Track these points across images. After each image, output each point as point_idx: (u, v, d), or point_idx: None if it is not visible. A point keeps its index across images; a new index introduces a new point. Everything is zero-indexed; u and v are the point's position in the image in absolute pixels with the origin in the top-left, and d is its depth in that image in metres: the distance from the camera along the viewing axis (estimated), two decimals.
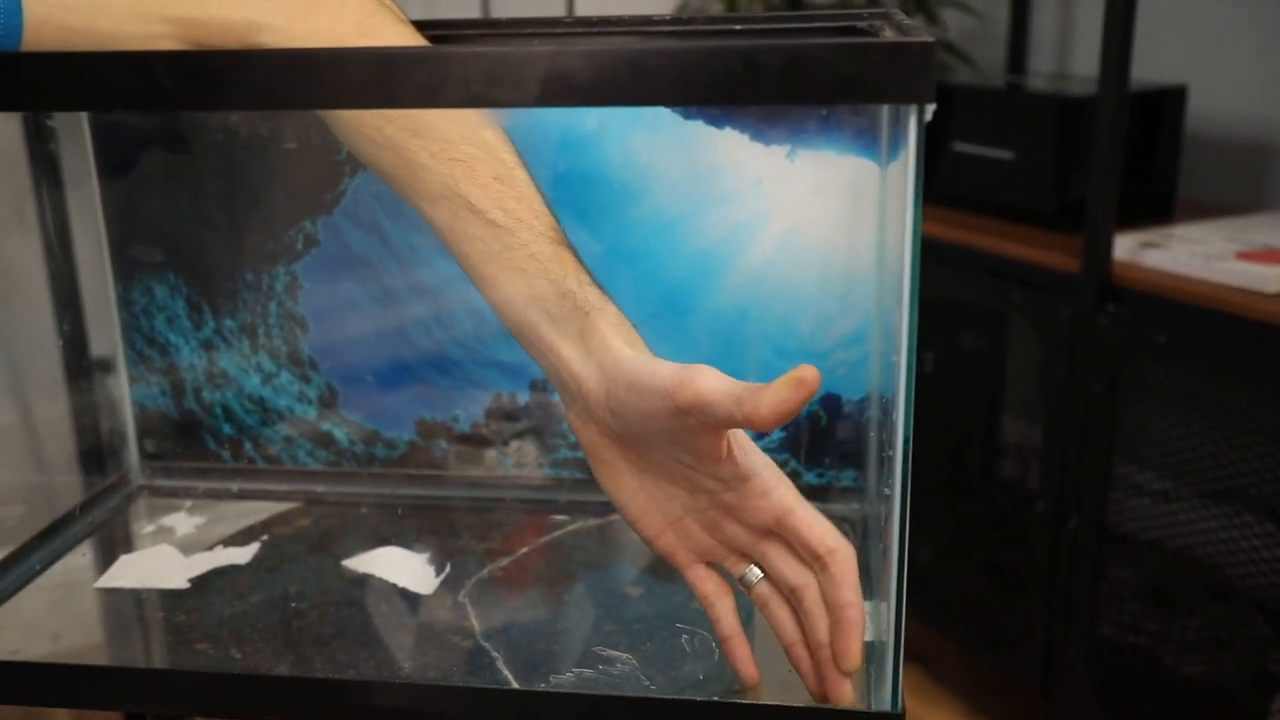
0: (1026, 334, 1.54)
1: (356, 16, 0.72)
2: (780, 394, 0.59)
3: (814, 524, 0.65)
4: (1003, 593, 1.58)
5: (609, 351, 0.67)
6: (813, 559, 0.65)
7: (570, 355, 0.68)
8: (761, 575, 0.68)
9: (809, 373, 0.59)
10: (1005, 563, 1.58)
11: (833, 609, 0.64)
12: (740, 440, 0.66)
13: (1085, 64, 1.94)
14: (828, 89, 0.54)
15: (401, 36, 0.73)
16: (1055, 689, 1.50)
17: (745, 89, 0.54)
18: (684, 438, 0.65)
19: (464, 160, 0.69)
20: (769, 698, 0.67)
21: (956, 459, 1.68)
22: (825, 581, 0.64)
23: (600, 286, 0.69)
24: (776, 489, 0.66)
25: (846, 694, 0.64)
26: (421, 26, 0.79)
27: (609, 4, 2.04)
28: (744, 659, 0.68)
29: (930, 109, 0.55)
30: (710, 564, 0.70)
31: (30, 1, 0.68)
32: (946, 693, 1.79)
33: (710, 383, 0.62)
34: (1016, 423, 1.62)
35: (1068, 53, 1.98)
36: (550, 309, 0.69)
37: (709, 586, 0.69)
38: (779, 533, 0.66)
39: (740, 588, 0.69)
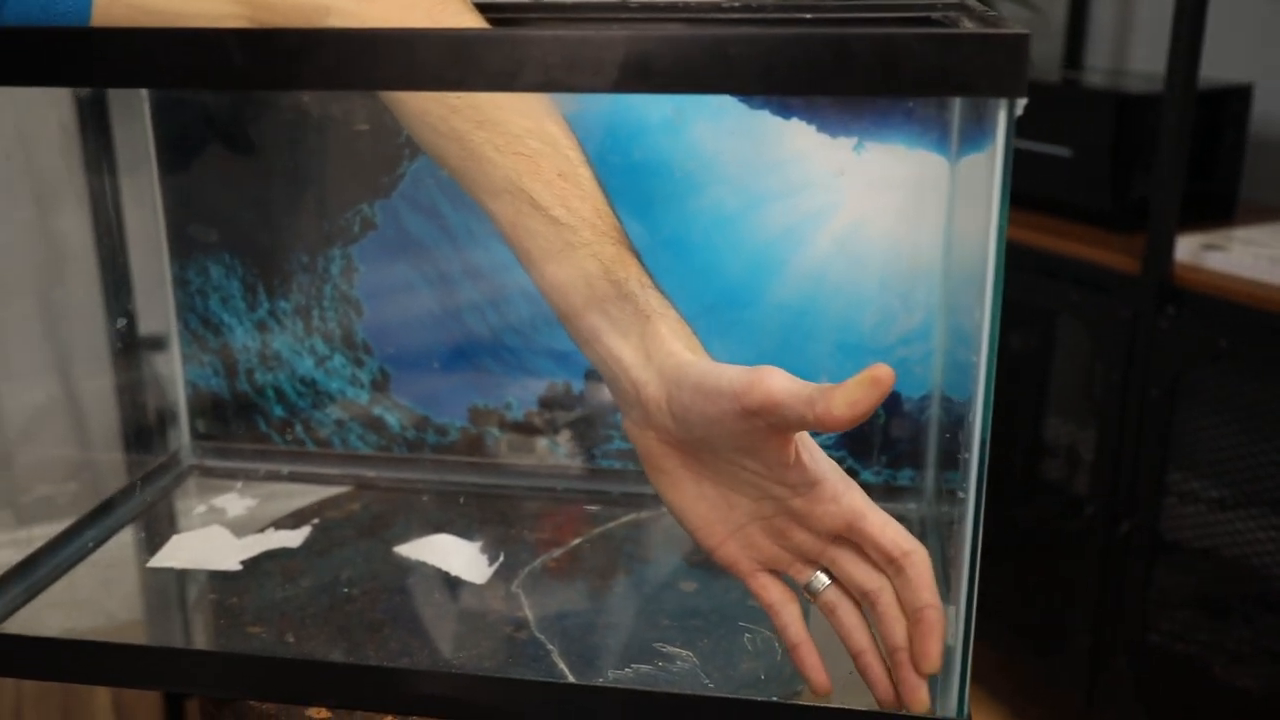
0: (1078, 335, 1.53)
1: (427, 4, 0.72)
2: (854, 394, 0.58)
3: (887, 527, 0.64)
4: (1048, 597, 1.57)
5: (670, 356, 0.66)
6: (887, 563, 0.64)
7: (630, 360, 0.67)
8: (828, 582, 0.67)
9: (883, 372, 0.58)
10: (1051, 567, 1.57)
11: (912, 611, 0.63)
12: (808, 444, 0.65)
13: (1144, 59, 1.92)
14: (919, 80, 0.53)
15: (464, 17, 0.73)
16: (1101, 697, 1.49)
17: (832, 79, 0.53)
18: (751, 442, 0.64)
19: (528, 155, 0.69)
20: (836, 702, 0.66)
21: (1002, 460, 1.67)
22: (901, 584, 0.64)
23: (662, 291, 0.69)
24: (846, 493, 0.65)
25: (923, 699, 0.63)
26: (481, 9, 0.78)
27: None
28: (814, 666, 0.67)
29: (1022, 103, 0.55)
30: (773, 571, 0.69)
31: None
32: (987, 696, 1.78)
33: (780, 384, 0.61)
34: (1065, 425, 1.61)
35: (1126, 48, 1.96)
36: (611, 311, 0.68)
37: (774, 594, 0.68)
38: (849, 537, 0.65)
39: (805, 595, 0.68)
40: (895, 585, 0.64)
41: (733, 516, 0.68)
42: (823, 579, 0.67)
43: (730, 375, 0.63)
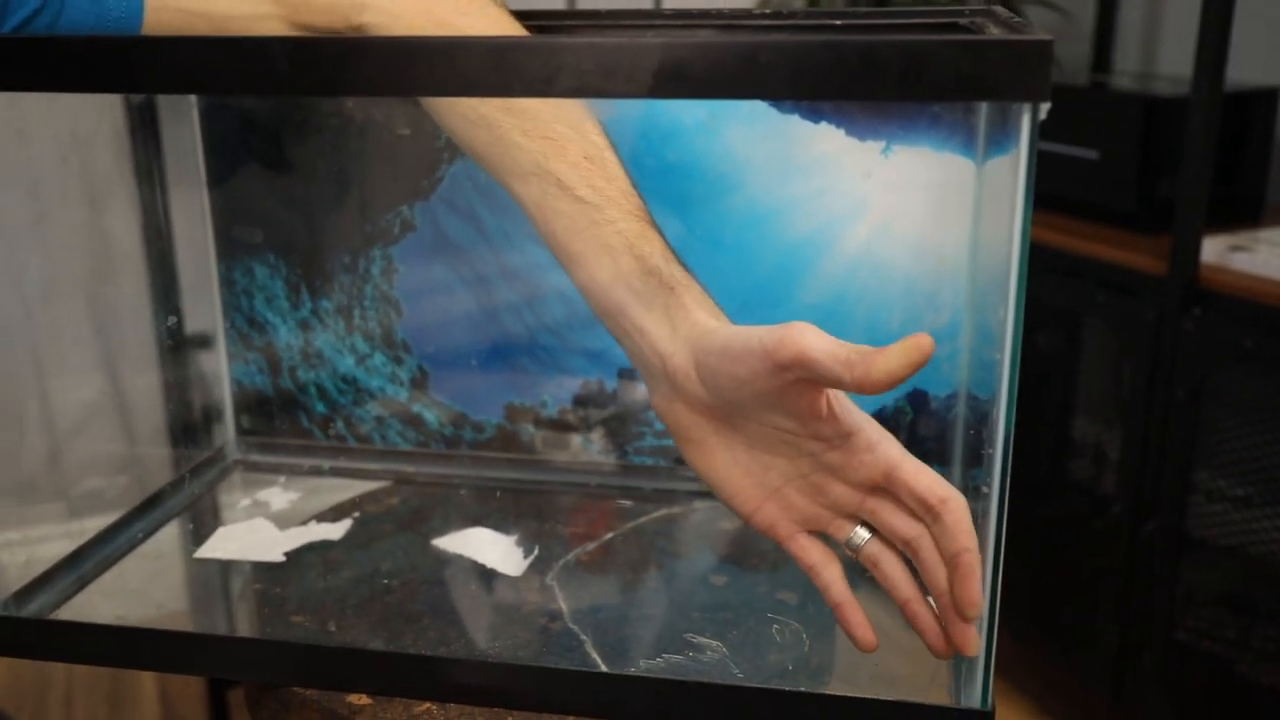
0: (1103, 335, 1.52)
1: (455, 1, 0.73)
2: (896, 360, 0.57)
3: (922, 474, 0.63)
4: (1074, 594, 1.56)
5: (695, 325, 0.66)
6: (924, 510, 0.63)
7: (656, 332, 0.67)
8: (868, 536, 0.66)
9: (925, 340, 0.57)
10: (1077, 564, 1.56)
11: (950, 556, 0.62)
12: (839, 396, 0.64)
13: (1171, 63, 1.91)
14: (946, 86, 0.54)
15: (498, 20, 0.74)
16: (1127, 693, 1.48)
17: (862, 84, 0.54)
18: (782, 399, 0.63)
19: (555, 139, 0.69)
20: (859, 691, 0.66)
21: (1028, 459, 1.66)
22: (939, 531, 0.63)
23: (685, 265, 0.69)
24: (881, 443, 0.65)
25: (973, 640, 0.62)
26: (518, 17, 0.79)
27: (688, 1, 2.05)
28: (860, 623, 0.66)
29: (1045, 108, 0.55)
30: (812, 533, 0.68)
31: None
32: (1013, 691, 1.78)
33: (814, 341, 0.60)
34: (1090, 424, 1.60)
35: (1153, 51, 1.95)
36: (635, 285, 0.68)
37: (815, 555, 0.67)
38: (887, 488, 0.65)
39: (847, 552, 0.67)
40: (933, 532, 0.63)
41: (768, 479, 0.68)
42: (863, 533, 0.66)
43: (759, 334, 0.62)
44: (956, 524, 0.62)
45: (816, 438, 0.65)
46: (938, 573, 0.63)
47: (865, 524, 0.67)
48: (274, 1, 0.72)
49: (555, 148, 0.69)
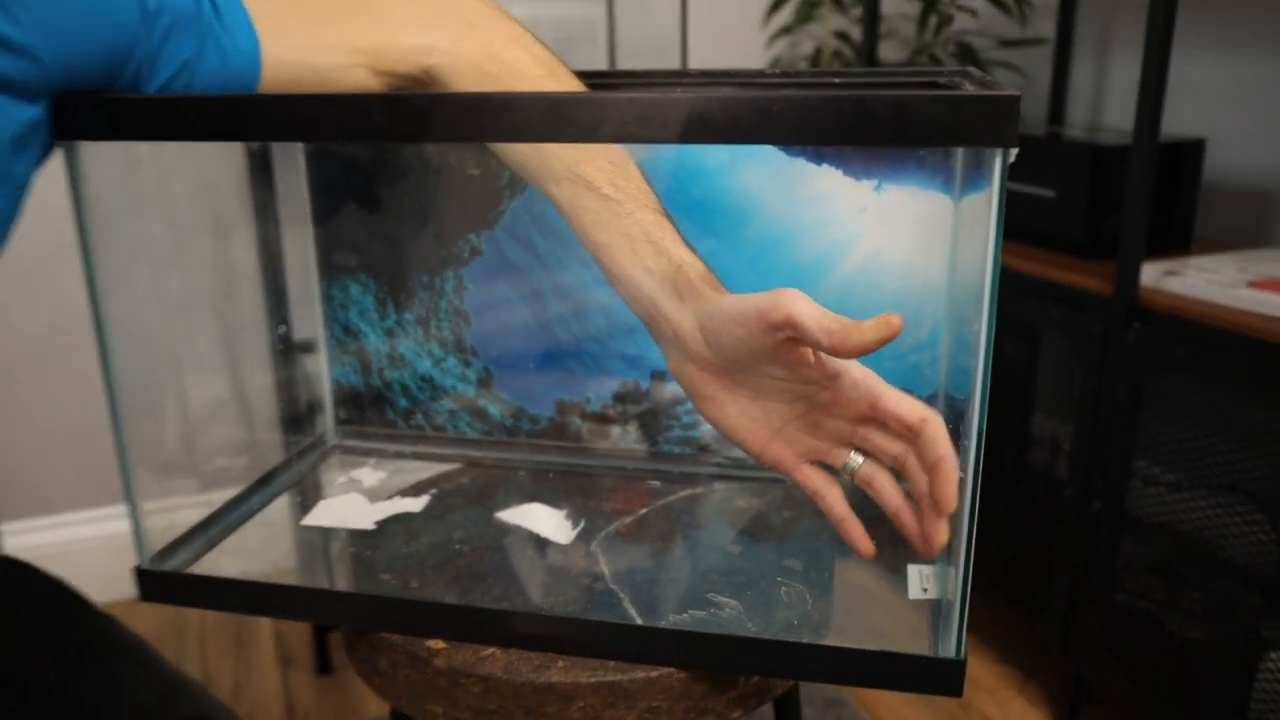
0: (1058, 345, 1.50)
1: (504, 38, 0.73)
2: (870, 334, 0.59)
3: (903, 400, 0.64)
4: (1032, 563, 1.55)
5: (700, 297, 0.66)
6: (907, 430, 0.63)
7: (667, 305, 0.67)
8: (862, 460, 0.66)
9: (896, 319, 0.58)
10: (1035, 538, 1.54)
11: (931, 463, 0.62)
12: None
13: (1115, 118, 1.90)
14: (929, 133, 0.53)
15: (540, 54, 0.73)
16: (1075, 646, 1.47)
17: (858, 132, 0.53)
18: (775, 353, 0.64)
19: (584, 149, 0.69)
20: (853, 643, 0.65)
21: (996, 450, 1.65)
22: (921, 445, 0.63)
23: (693, 248, 0.69)
24: (865, 380, 0.65)
25: (944, 534, 0.62)
26: None
27: (709, 60, 2.04)
28: (860, 535, 0.67)
29: (1014, 153, 0.54)
30: (814, 463, 0.68)
31: (267, 43, 0.69)
32: (981, 643, 1.76)
33: (803, 307, 0.61)
34: (1047, 420, 1.58)
35: (1100, 108, 1.93)
36: (650, 265, 0.68)
37: (818, 481, 0.68)
38: (874, 417, 0.65)
39: (845, 476, 0.67)
40: (916, 448, 0.63)
41: (771, 421, 0.68)
42: (857, 458, 0.67)
43: (754, 300, 0.63)
44: (935, 437, 0.62)
45: (808, 382, 0.66)
46: (921, 480, 0.63)
47: (858, 450, 0.67)
48: (360, 53, 0.71)
49: (585, 155, 0.69)
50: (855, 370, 0.65)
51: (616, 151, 0.70)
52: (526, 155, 0.71)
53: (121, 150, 0.73)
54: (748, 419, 0.69)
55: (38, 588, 0.88)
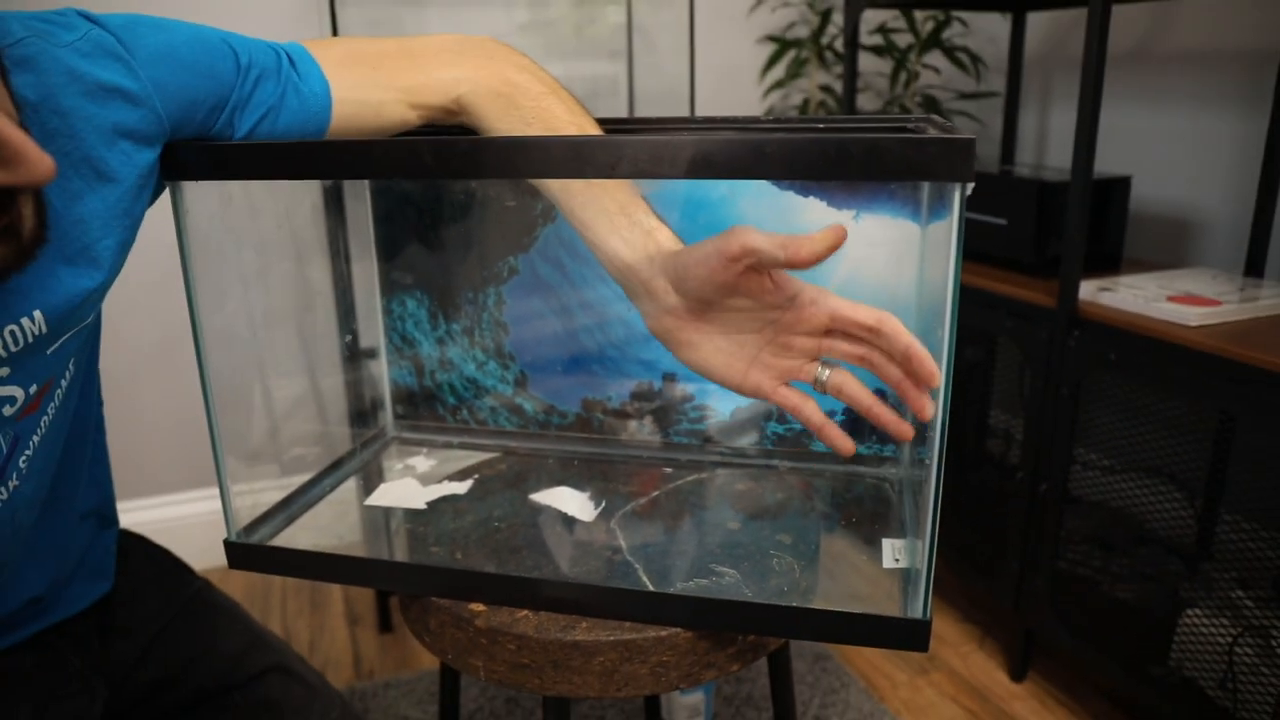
0: (1011, 350, 1.49)
1: (515, 66, 0.73)
2: (820, 243, 0.57)
3: (858, 308, 0.62)
4: (989, 536, 1.53)
5: (664, 250, 0.66)
6: (867, 332, 0.62)
7: (642, 266, 0.66)
8: (829, 370, 0.64)
9: (841, 228, 0.57)
10: (992, 514, 1.53)
11: (901, 351, 0.60)
12: (778, 273, 0.63)
13: (1056, 158, 1.89)
14: (898, 169, 0.52)
15: (542, 78, 0.73)
16: (1024, 605, 1.45)
17: (837, 168, 0.52)
18: (738, 285, 0.62)
19: None
20: (835, 606, 0.64)
21: (958, 440, 1.63)
22: (885, 341, 0.61)
23: (660, 218, 0.68)
24: (820, 296, 0.63)
25: (930, 407, 0.59)
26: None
27: (713, 109, 2.03)
28: (838, 435, 0.65)
29: (970, 186, 0.53)
30: (789, 384, 0.66)
31: (335, 90, 0.70)
32: (946, 605, 1.74)
33: (754, 235, 0.59)
34: (1002, 415, 1.57)
35: (1044, 150, 1.92)
36: (625, 235, 0.67)
37: (795, 398, 0.66)
38: (835, 327, 0.63)
39: (817, 389, 0.65)
40: (881, 346, 0.62)
41: (744, 352, 0.66)
42: (824, 371, 0.65)
43: (712, 241, 0.61)
44: (895, 331, 0.60)
45: (771, 307, 0.64)
46: (889, 369, 0.62)
47: (825, 364, 0.65)
48: (404, 90, 0.72)
49: None
50: (811, 290, 0.63)
51: None
52: None
53: (217, 189, 0.73)
54: (724, 355, 0.67)
55: (150, 556, 0.88)
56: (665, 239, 0.67)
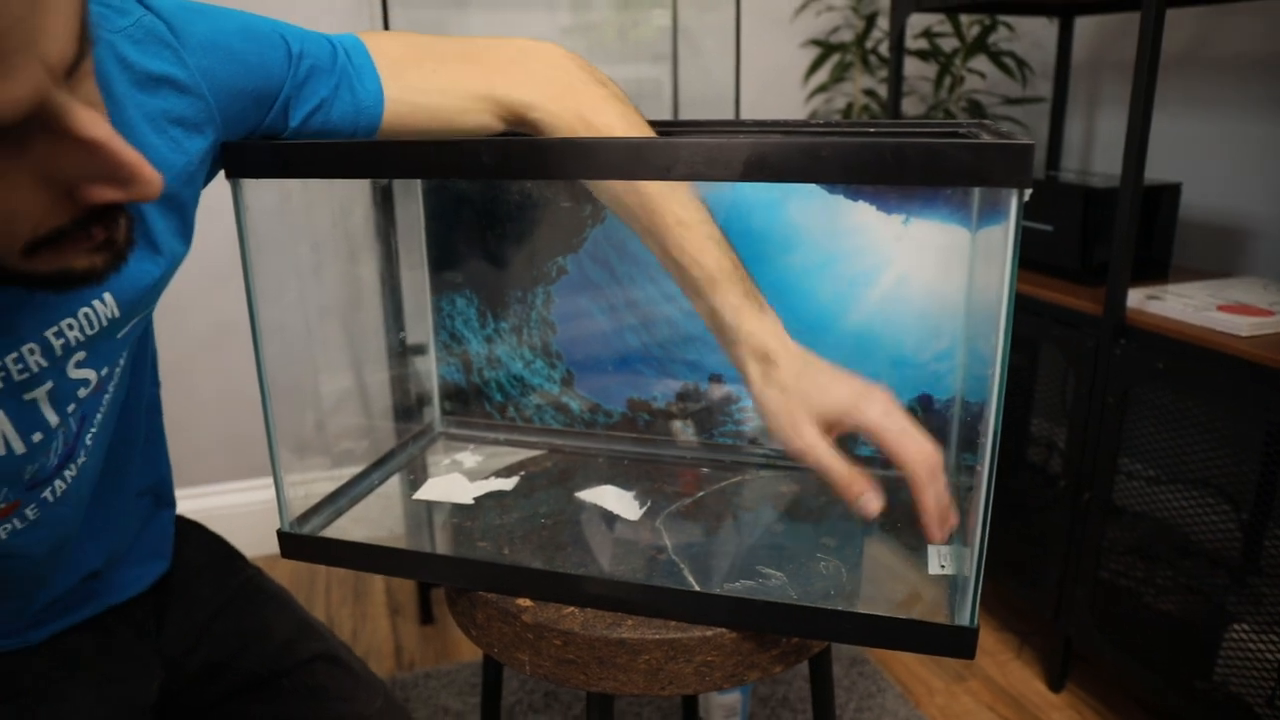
0: (1055, 357, 1.47)
1: (594, 102, 0.72)
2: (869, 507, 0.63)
3: (905, 448, 0.64)
4: (1031, 544, 1.51)
5: (790, 367, 0.66)
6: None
7: (769, 330, 0.67)
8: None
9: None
10: (1034, 523, 1.51)
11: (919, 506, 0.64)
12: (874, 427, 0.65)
13: (1102, 164, 1.86)
14: (955, 175, 0.51)
15: (626, 114, 0.72)
16: (1064, 615, 1.43)
17: (894, 173, 0.52)
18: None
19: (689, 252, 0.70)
20: (884, 611, 0.64)
21: (1001, 447, 1.61)
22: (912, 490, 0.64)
23: (750, 291, 0.68)
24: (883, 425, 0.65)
25: (939, 537, 0.64)
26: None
27: (757, 113, 2.02)
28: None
29: (1029, 192, 0.52)
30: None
31: (387, 84, 0.69)
32: (984, 613, 1.72)
33: (828, 462, 0.64)
34: (1044, 423, 1.54)
35: (1090, 156, 1.89)
36: (747, 289, 0.68)
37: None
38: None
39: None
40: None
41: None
42: None
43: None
44: (921, 489, 0.63)
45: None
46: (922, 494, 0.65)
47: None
48: (472, 98, 0.72)
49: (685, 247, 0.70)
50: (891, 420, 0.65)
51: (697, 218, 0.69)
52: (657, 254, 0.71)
53: (275, 186, 0.74)
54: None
55: (206, 543, 0.90)
56: (752, 329, 0.67)
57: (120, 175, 0.44)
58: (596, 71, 0.74)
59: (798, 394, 0.65)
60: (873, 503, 0.64)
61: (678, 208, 0.68)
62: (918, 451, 0.64)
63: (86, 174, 0.43)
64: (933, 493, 0.64)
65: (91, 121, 0.42)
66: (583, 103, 0.72)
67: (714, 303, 0.67)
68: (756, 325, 0.67)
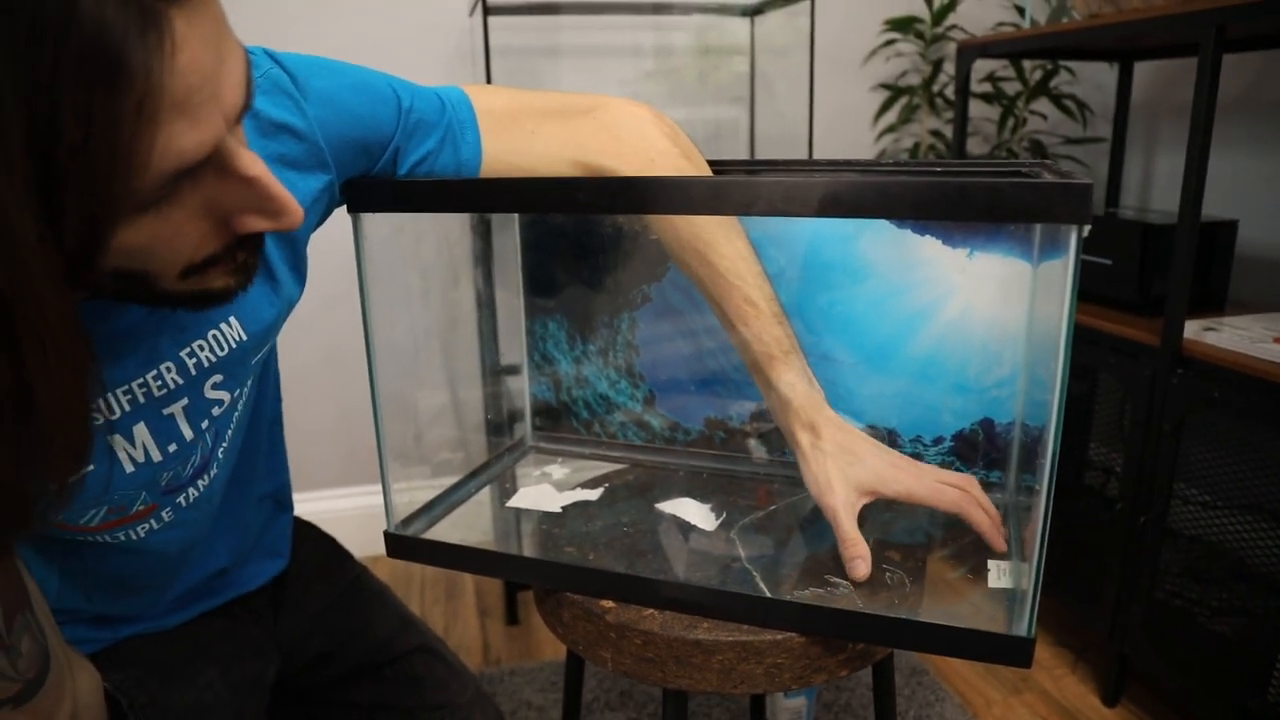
0: (1113, 386, 1.43)
1: (664, 166, 0.74)
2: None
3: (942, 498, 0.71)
4: (1088, 564, 1.46)
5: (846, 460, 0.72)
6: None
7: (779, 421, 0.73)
8: None
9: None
10: (1090, 544, 1.46)
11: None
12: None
13: (1159, 201, 1.81)
14: (1017, 212, 0.51)
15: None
16: (1120, 633, 1.38)
17: (959, 210, 0.52)
18: None
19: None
20: (946, 620, 0.63)
21: (1059, 471, 1.57)
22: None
23: (798, 366, 0.74)
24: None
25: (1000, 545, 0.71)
26: (718, 164, 0.78)
27: (828, 152, 2.02)
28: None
29: (1088, 228, 0.52)
30: None
31: (487, 143, 0.71)
32: (1040, 628, 1.67)
33: (840, 518, 0.70)
34: (1102, 448, 1.50)
35: (1149, 193, 1.85)
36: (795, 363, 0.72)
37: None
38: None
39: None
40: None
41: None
42: None
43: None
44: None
45: None
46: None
47: None
48: (565, 163, 0.73)
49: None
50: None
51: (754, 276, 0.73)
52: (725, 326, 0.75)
53: (388, 220, 0.77)
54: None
55: (319, 542, 0.93)
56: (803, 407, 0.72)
57: (271, 208, 0.46)
58: (682, 139, 0.76)
59: (837, 460, 0.70)
60: (860, 568, 0.69)
61: (749, 290, 0.71)
62: (954, 497, 0.70)
63: (242, 206, 0.46)
64: (980, 515, 0.70)
65: (252, 161, 0.45)
66: (657, 168, 0.74)
67: (771, 376, 0.72)
68: (807, 400, 0.71)
